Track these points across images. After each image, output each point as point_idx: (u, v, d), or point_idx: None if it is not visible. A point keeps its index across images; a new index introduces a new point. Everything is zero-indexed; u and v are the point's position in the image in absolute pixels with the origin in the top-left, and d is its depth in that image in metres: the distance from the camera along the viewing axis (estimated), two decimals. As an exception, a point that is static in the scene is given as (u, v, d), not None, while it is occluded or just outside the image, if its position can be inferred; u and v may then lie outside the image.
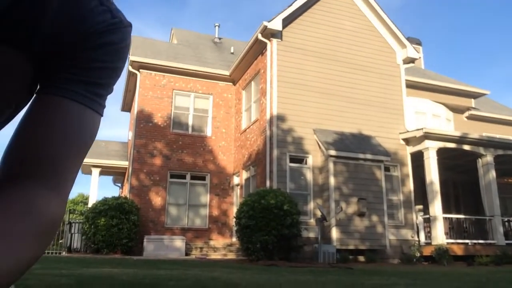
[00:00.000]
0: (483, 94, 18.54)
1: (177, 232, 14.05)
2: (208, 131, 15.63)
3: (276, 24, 12.72)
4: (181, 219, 14.54)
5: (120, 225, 12.10)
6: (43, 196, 0.59)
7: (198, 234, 14.39)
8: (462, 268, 9.90)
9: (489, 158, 13.33)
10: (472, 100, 18.22)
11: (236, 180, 15.10)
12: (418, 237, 12.86)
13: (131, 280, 4.46)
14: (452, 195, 16.35)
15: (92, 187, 16.18)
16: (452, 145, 13.14)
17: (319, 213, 11.35)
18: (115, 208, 12.25)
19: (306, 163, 12.33)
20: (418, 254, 12.03)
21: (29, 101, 0.70)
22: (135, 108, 15.24)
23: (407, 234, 12.79)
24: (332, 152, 11.69)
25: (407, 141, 13.55)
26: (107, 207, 12.25)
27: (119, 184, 20.61)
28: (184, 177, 14.94)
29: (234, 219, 10.81)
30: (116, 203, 12.39)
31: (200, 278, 4.95)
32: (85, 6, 0.67)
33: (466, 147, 13.29)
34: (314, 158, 12.31)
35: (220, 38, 20.89)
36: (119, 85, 21.05)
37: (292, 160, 12.19)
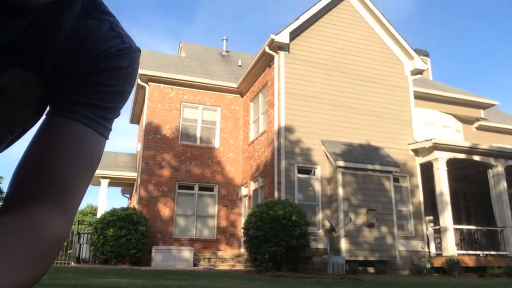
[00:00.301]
0: (493, 105, 18.41)
1: (185, 242, 14.04)
2: (216, 143, 15.69)
3: (283, 37, 12.81)
4: (189, 230, 14.54)
5: (129, 236, 12.14)
6: (49, 218, 0.60)
7: (206, 245, 14.37)
8: (474, 279, 9.75)
9: (499, 168, 13.21)
10: (481, 110, 18.10)
11: (244, 191, 15.10)
12: (429, 248, 12.72)
13: (140, 290, 4.46)
14: (462, 206, 16.17)
15: (100, 198, 16.27)
16: (462, 155, 13.04)
17: (327, 224, 11.30)
18: (124, 219, 12.30)
19: (314, 174, 12.31)
20: (428, 266, 11.88)
21: (37, 122, 0.72)
22: (144, 120, 15.37)
23: (417, 245, 12.66)
24: (341, 163, 11.66)
25: (416, 152, 13.49)
26: (116, 217, 12.30)
27: (128, 195, 20.68)
28: (192, 188, 14.98)
29: (242, 230, 10.78)
30: (124, 214, 12.44)
31: (208, 289, 4.93)
32: (97, 31, 0.69)
33: (476, 158, 13.18)
34: (322, 169, 12.29)
35: (227, 51, 21.03)
36: (128, 98, 21.18)
37: (300, 171, 12.18)
